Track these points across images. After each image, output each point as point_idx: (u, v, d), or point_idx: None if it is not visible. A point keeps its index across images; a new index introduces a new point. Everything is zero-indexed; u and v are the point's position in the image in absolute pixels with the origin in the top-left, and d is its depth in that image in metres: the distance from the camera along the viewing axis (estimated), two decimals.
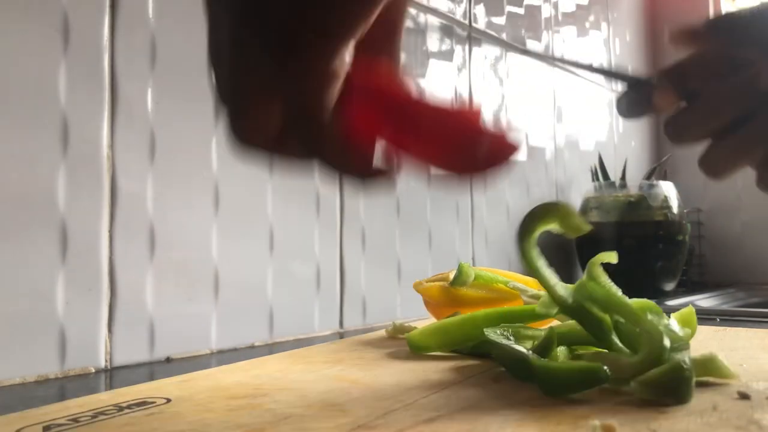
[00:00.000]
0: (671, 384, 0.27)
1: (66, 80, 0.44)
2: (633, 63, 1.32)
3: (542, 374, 0.30)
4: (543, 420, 0.25)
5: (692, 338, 0.37)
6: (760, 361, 0.37)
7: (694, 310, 0.39)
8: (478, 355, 0.40)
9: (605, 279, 0.37)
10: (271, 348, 0.55)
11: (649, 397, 0.27)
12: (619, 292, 0.38)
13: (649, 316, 0.32)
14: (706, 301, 0.97)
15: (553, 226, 0.36)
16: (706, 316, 0.68)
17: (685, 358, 0.28)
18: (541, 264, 0.36)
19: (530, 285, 0.46)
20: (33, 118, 0.42)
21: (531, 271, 0.36)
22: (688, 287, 1.10)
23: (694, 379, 0.28)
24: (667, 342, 0.28)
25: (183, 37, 0.51)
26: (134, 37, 0.48)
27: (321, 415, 0.27)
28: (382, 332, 0.52)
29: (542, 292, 0.43)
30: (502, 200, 0.89)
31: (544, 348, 0.34)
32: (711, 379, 0.31)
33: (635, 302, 0.35)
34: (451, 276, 0.49)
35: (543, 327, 0.38)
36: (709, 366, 0.31)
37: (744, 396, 0.28)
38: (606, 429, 0.23)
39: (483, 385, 0.32)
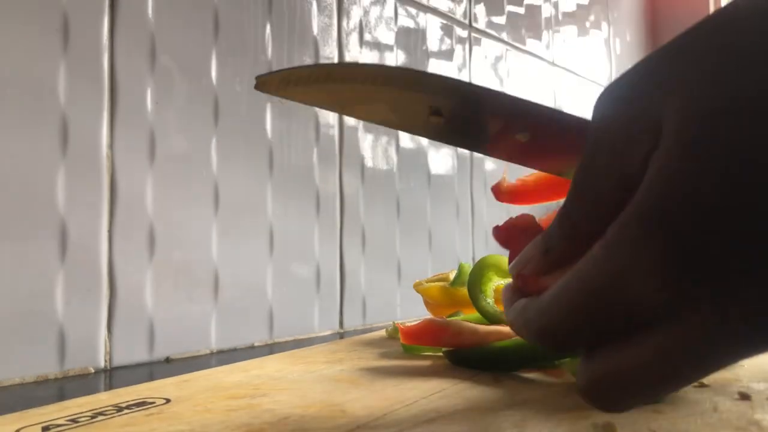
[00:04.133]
0: None
1: (66, 80, 0.44)
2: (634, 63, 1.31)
3: (495, 354, 0.35)
4: (543, 420, 0.25)
5: None
6: (760, 361, 0.37)
7: None
8: None
9: None
10: (271, 348, 0.55)
11: None
12: None
13: None
14: None
15: (494, 276, 0.42)
16: None
17: None
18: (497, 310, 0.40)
19: None
20: (33, 118, 0.42)
21: (491, 320, 0.40)
22: None
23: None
24: None
25: (183, 37, 0.51)
26: (134, 37, 0.48)
27: (321, 415, 0.27)
28: (382, 332, 0.52)
29: None
30: None
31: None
32: (711, 379, 0.31)
33: None
34: (451, 276, 0.49)
35: None
36: None
37: (744, 396, 0.28)
38: (606, 429, 0.23)
39: (483, 385, 0.32)
